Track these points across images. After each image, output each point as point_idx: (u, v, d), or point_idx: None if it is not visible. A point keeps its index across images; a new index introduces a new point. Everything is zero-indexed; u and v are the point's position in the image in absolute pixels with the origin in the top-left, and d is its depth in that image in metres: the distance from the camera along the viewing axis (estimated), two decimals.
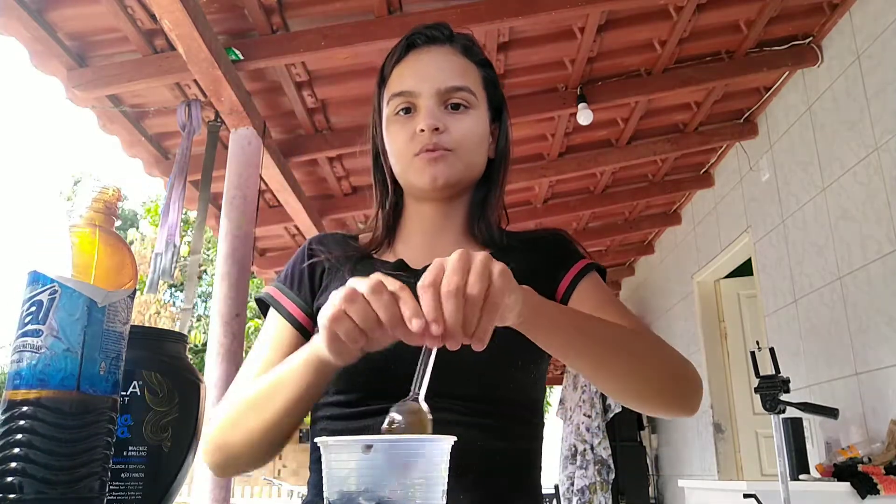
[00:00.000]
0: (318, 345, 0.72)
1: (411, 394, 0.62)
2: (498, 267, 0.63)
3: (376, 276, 0.64)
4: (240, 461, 0.84)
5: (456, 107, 0.96)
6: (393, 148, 0.98)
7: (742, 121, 4.31)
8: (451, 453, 0.55)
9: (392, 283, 0.64)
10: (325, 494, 0.53)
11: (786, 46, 3.56)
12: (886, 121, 3.00)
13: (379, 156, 1.04)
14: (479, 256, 0.62)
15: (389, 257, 1.01)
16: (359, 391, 0.86)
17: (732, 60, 3.63)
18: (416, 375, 0.63)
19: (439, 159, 0.94)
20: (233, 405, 0.84)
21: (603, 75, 3.67)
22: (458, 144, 0.95)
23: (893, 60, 2.97)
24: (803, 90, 3.72)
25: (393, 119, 0.98)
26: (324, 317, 0.64)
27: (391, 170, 1.01)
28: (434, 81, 0.96)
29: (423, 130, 0.93)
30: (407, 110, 0.97)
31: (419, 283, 0.61)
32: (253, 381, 0.86)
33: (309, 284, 0.99)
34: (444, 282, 0.60)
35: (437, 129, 0.93)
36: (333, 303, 0.64)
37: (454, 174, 0.95)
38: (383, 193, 1.05)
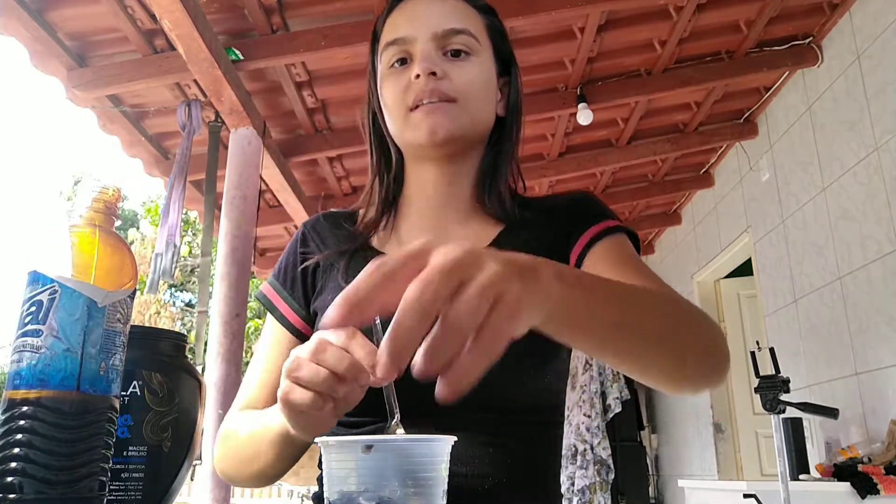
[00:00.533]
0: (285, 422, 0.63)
1: (390, 420, 0.59)
2: (509, 278, 0.42)
3: (317, 336, 0.55)
4: (251, 486, 0.86)
5: (457, 53, 0.85)
6: (388, 104, 0.87)
7: (742, 121, 4.31)
8: (460, 462, 0.54)
9: (338, 335, 0.54)
10: (325, 494, 0.53)
11: (786, 46, 3.56)
12: (886, 121, 3.00)
13: (376, 118, 0.93)
14: (484, 273, 0.41)
15: (391, 243, 0.92)
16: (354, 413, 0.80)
17: (732, 60, 3.63)
18: (385, 399, 0.58)
19: (439, 110, 0.83)
20: (232, 444, 0.81)
21: (603, 75, 3.67)
22: (460, 93, 0.84)
23: (893, 60, 2.97)
24: (803, 90, 3.72)
25: (388, 73, 0.87)
26: (279, 398, 0.57)
27: (388, 132, 0.91)
28: (430, 24, 0.85)
29: (418, 77, 0.82)
30: (402, 61, 0.86)
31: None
32: (243, 413, 0.83)
33: (302, 286, 0.91)
34: (414, 312, 0.40)
35: (433, 73, 0.82)
36: (282, 377, 0.57)
37: (457, 127, 0.84)
38: (379, 160, 0.94)
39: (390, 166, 0.93)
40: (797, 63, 3.59)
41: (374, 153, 0.95)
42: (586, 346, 0.55)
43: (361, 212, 0.96)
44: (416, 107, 0.83)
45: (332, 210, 1.00)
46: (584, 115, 3.58)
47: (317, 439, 0.54)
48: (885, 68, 3.02)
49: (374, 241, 0.92)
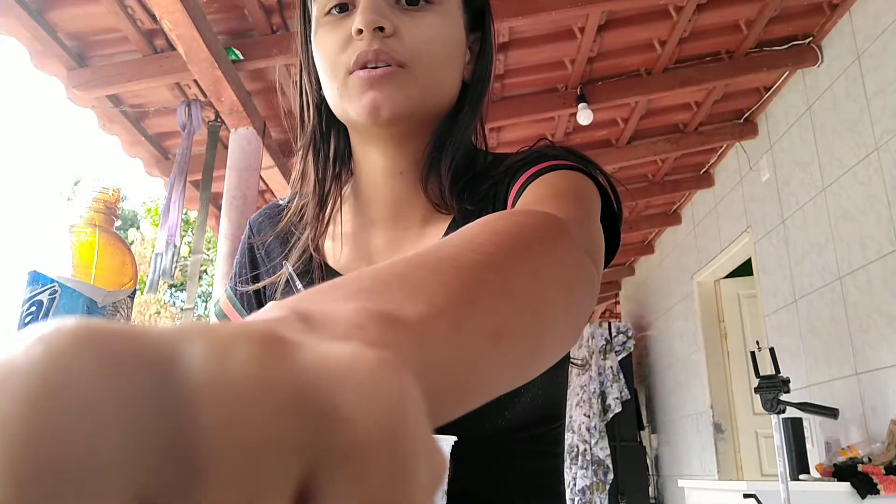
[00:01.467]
0: None
1: None
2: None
3: None
4: None
5: (413, 1, 0.66)
6: (323, 64, 0.67)
7: (742, 121, 4.31)
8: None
9: None
10: None
11: (786, 46, 3.56)
12: (886, 121, 3.00)
13: (307, 77, 0.74)
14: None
15: (345, 262, 0.74)
16: None
17: (732, 60, 3.63)
18: None
19: (384, 79, 0.63)
20: None
21: (603, 75, 3.67)
22: (413, 57, 0.65)
23: (893, 60, 2.97)
24: (803, 90, 3.72)
25: (323, 21, 0.67)
26: None
27: (323, 97, 0.71)
28: None
29: (360, 32, 0.63)
30: (343, 7, 0.66)
31: None
32: None
33: (256, 298, 0.78)
34: None
35: (380, 29, 0.63)
36: None
37: (405, 101, 0.65)
38: (314, 132, 0.74)
39: (327, 141, 0.74)
40: (797, 63, 3.59)
41: (307, 121, 0.75)
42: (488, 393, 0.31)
43: (294, 203, 0.77)
44: (355, 68, 0.64)
45: (279, 201, 0.83)
46: (584, 115, 3.58)
47: None
48: (885, 68, 3.02)
49: (326, 250, 0.76)
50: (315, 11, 0.69)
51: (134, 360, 0.13)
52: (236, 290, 0.79)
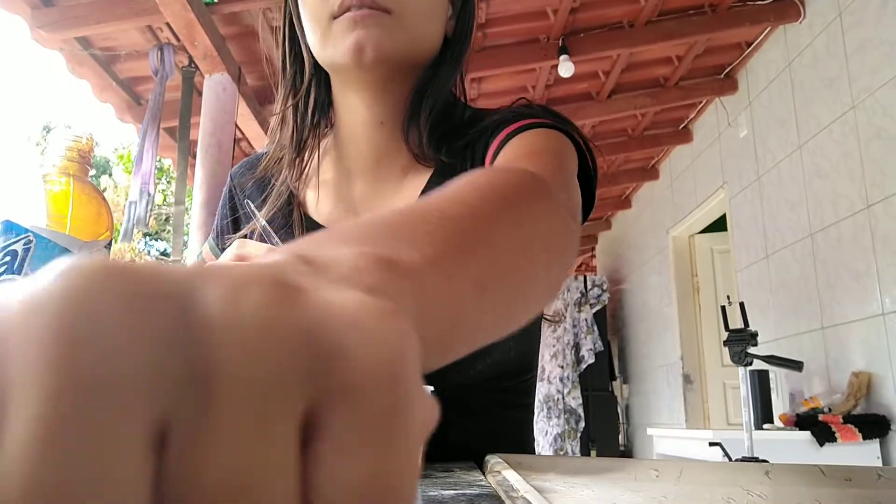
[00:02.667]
0: None
1: None
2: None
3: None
4: None
5: None
6: (306, 8, 0.69)
7: (722, 76, 4.30)
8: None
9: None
10: None
11: (769, 1, 3.54)
12: (864, 79, 3.02)
13: (294, 29, 0.75)
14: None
15: (324, 212, 0.76)
16: None
17: (715, 14, 3.60)
18: None
19: (369, 20, 0.65)
20: None
21: (585, 27, 3.63)
22: (399, 3, 0.66)
23: (874, 17, 2.97)
24: (784, 46, 3.72)
25: None
26: None
27: (307, 44, 0.72)
28: None
29: None
30: None
31: None
32: None
33: None
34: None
35: None
36: None
37: (390, 44, 0.66)
38: (294, 78, 0.75)
39: (308, 89, 0.75)
40: (780, 18, 3.57)
41: (288, 69, 0.75)
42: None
43: (272, 151, 0.79)
44: (340, 13, 0.66)
45: (259, 152, 0.84)
46: (566, 68, 3.54)
47: None
48: (865, 25, 3.03)
49: (308, 200, 0.77)
50: None
51: (154, 295, 0.14)
52: (219, 241, 0.79)
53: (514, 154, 0.59)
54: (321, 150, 0.78)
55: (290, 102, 0.75)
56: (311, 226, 0.74)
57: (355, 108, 0.73)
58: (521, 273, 0.36)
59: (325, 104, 0.77)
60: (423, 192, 0.72)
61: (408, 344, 0.17)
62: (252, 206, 0.62)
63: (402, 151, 0.74)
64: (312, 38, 0.69)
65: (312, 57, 0.73)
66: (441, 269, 0.28)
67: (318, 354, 0.15)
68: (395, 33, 0.66)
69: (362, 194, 0.75)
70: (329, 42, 0.67)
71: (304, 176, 0.76)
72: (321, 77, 0.75)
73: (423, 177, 0.73)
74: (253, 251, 0.50)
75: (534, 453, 0.80)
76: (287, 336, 0.15)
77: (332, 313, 0.16)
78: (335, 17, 0.66)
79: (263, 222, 0.61)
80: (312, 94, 0.75)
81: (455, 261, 0.29)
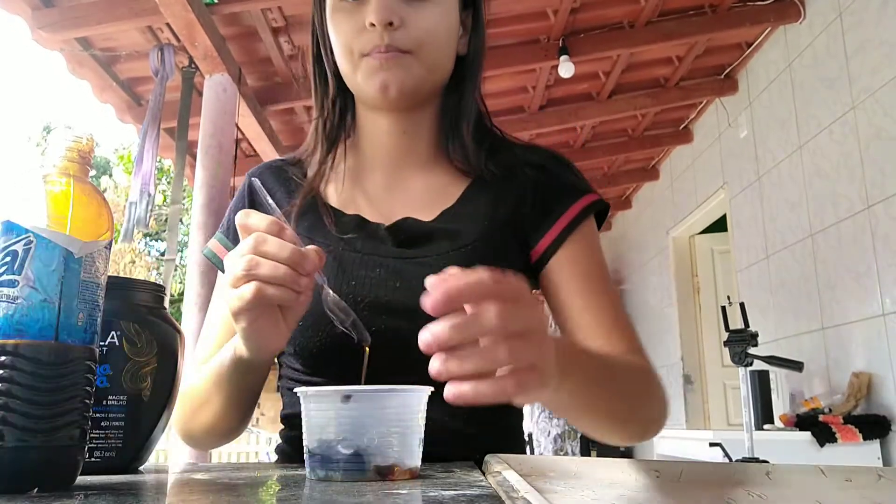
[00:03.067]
0: (239, 344, 0.67)
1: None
2: (552, 364, 0.49)
3: (251, 236, 0.59)
4: (206, 443, 0.85)
5: None
6: (338, 44, 0.79)
7: (723, 76, 4.30)
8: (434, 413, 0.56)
9: (268, 228, 0.59)
10: (304, 442, 0.54)
11: (769, 2, 3.54)
12: (864, 79, 3.02)
13: (321, 51, 0.85)
14: (544, 349, 0.47)
15: (349, 199, 0.85)
16: (316, 373, 0.80)
17: (715, 15, 3.60)
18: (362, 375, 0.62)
19: (392, 62, 0.75)
20: (187, 396, 0.79)
21: (586, 27, 3.63)
22: (418, 44, 0.76)
23: (874, 17, 2.97)
24: (784, 46, 3.72)
25: (338, 6, 0.79)
26: (241, 304, 0.59)
27: (335, 68, 0.82)
28: None
29: (373, 25, 0.75)
30: None
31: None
32: (200, 367, 0.82)
33: None
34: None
35: (390, 24, 0.74)
36: (232, 274, 0.59)
37: (411, 82, 0.77)
38: (324, 96, 0.86)
39: (336, 104, 0.86)
40: (780, 19, 3.57)
41: (319, 88, 0.86)
42: (566, 417, 0.68)
43: (307, 159, 0.89)
44: (369, 52, 0.76)
45: (279, 158, 0.94)
46: (566, 68, 3.55)
47: (297, 390, 0.56)
48: (865, 26, 3.03)
49: (329, 194, 0.87)
50: None
51: None
52: (233, 237, 0.85)
53: (577, 277, 0.80)
54: (344, 147, 0.88)
55: (319, 119, 0.86)
56: (329, 210, 0.84)
57: (378, 123, 0.84)
58: (619, 399, 0.70)
59: (349, 115, 0.87)
60: (463, 194, 0.84)
61: (545, 331, 0.48)
62: (270, 200, 0.68)
63: (419, 153, 0.85)
64: (343, 66, 0.80)
65: (337, 76, 0.83)
66: (593, 367, 0.63)
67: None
68: (416, 70, 0.77)
69: (378, 187, 0.86)
70: (358, 75, 0.78)
71: (329, 173, 0.86)
72: (346, 95, 0.86)
73: (455, 184, 0.85)
74: (254, 221, 0.60)
75: (523, 442, 0.87)
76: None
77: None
78: (364, 55, 0.76)
79: (279, 212, 0.67)
80: (338, 108, 0.86)
81: (601, 372, 0.65)
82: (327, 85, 0.86)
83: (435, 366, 0.44)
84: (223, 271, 0.80)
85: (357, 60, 0.77)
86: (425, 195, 0.84)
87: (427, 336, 0.44)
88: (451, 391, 0.44)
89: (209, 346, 0.84)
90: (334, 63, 0.82)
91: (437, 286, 0.43)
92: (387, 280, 0.77)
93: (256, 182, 0.71)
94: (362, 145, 0.87)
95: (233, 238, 0.85)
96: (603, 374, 0.65)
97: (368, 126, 0.86)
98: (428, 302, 0.43)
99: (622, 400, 0.70)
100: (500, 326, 0.44)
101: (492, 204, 0.82)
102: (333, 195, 0.86)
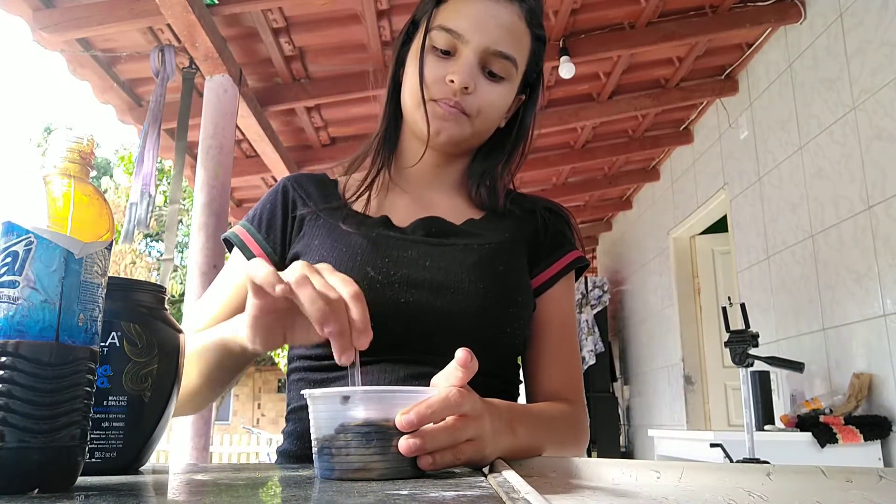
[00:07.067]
0: (239, 327, 0.73)
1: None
2: (492, 432, 0.63)
3: (307, 266, 0.64)
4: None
5: (493, 74, 0.90)
6: (415, 79, 0.90)
7: (723, 77, 4.30)
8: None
9: (324, 270, 0.65)
10: (312, 436, 0.57)
11: (770, 2, 3.54)
12: (864, 80, 3.02)
13: (398, 82, 0.97)
14: (485, 424, 0.62)
15: (373, 209, 0.96)
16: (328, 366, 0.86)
17: (716, 15, 3.60)
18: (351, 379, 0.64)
19: (453, 117, 0.89)
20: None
21: (586, 28, 3.63)
22: (477, 112, 0.90)
23: (874, 18, 2.97)
24: (785, 47, 3.72)
25: (430, 50, 0.90)
26: (291, 278, 0.63)
27: (402, 101, 0.95)
28: (487, 37, 0.88)
29: (452, 82, 0.87)
30: (446, 51, 0.89)
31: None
32: (197, 333, 0.85)
33: (281, 231, 0.94)
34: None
35: (466, 88, 0.88)
36: (294, 273, 0.63)
37: (459, 137, 0.91)
38: (389, 126, 0.98)
39: (395, 136, 0.98)
40: (780, 19, 3.57)
41: (385, 118, 0.98)
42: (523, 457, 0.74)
43: (340, 180, 1.00)
44: (440, 100, 0.88)
45: (319, 170, 1.06)
46: (567, 69, 3.55)
47: (304, 392, 0.58)
48: (865, 26, 3.03)
49: (361, 203, 0.95)
50: (426, 38, 0.90)
51: None
52: (259, 224, 0.95)
53: (557, 322, 0.95)
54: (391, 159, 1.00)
55: (378, 142, 0.98)
56: (354, 215, 0.93)
57: (417, 153, 0.95)
58: (549, 440, 0.78)
59: (395, 142, 0.99)
60: (485, 216, 0.98)
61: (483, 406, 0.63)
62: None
63: (446, 185, 0.99)
64: (409, 97, 0.91)
65: (397, 106, 0.96)
66: (524, 422, 0.74)
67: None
68: (467, 130, 0.91)
69: (406, 198, 0.98)
70: (419, 113, 0.90)
71: (380, 175, 0.97)
72: (399, 123, 0.98)
73: (473, 208, 0.99)
74: (254, 271, 0.64)
75: None
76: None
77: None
78: (434, 100, 0.88)
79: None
80: (390, 135, 0.98)
81: (532, 423, 0.77)
82: (393, 118, 0.98)
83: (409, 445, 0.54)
84: (244, 253, 0.92)
85: (426, 101, 0.89)
86: (450, 212, 0.96)
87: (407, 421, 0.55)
88: (424, 462, 0.55)
89: (216, 306, 0.92)
90: (401, 97, 0.95)
91: (412, 409, 0.54)
92: (418, 259, 0.87)
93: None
94: (399, 165, 1.00)
95: (257, 226, 0.95)
96: (541, 423, 0.80)
97: (410, 148, 0.98)
98: (403, 420, 0.54)
99: (552, 438, 0.81)
100: (453, 428, 0.57)
101: (510, 228, 0.96)
102: (360, 205, 0.96)
